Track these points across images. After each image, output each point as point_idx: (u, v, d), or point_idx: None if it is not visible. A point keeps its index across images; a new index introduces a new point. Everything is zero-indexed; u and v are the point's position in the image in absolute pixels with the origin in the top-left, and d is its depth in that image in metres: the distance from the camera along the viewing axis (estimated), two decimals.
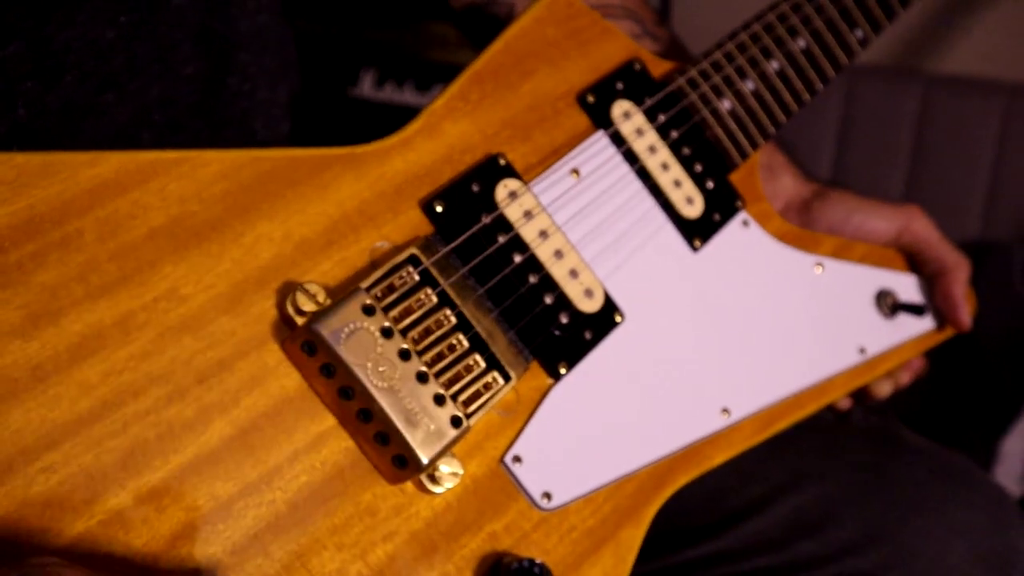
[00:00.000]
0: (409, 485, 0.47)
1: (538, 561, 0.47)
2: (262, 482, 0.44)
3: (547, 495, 0.50)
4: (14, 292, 0.41)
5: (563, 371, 0.52)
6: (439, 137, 0.53)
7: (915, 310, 0.65)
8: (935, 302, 0.66)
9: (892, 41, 1.36)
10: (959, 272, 0.65)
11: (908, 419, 1.34)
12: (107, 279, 0.43)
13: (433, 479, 0.47)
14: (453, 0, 0.69)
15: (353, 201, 0.50)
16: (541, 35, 0.58)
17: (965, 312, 0.65)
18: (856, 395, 0.67)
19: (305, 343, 0.45)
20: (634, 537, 0.53)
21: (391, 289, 0.47)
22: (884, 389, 0.64)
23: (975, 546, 0.65)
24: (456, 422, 0.46)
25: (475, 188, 0.52)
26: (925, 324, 0.67)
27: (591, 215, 0.55)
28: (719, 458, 0.57)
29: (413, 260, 0.48)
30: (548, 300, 0.52)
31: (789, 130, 1.24)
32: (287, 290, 0.46)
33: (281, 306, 0.46)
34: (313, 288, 0.46)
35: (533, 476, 0.50)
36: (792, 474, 0.66)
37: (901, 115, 1.27)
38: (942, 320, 0.67)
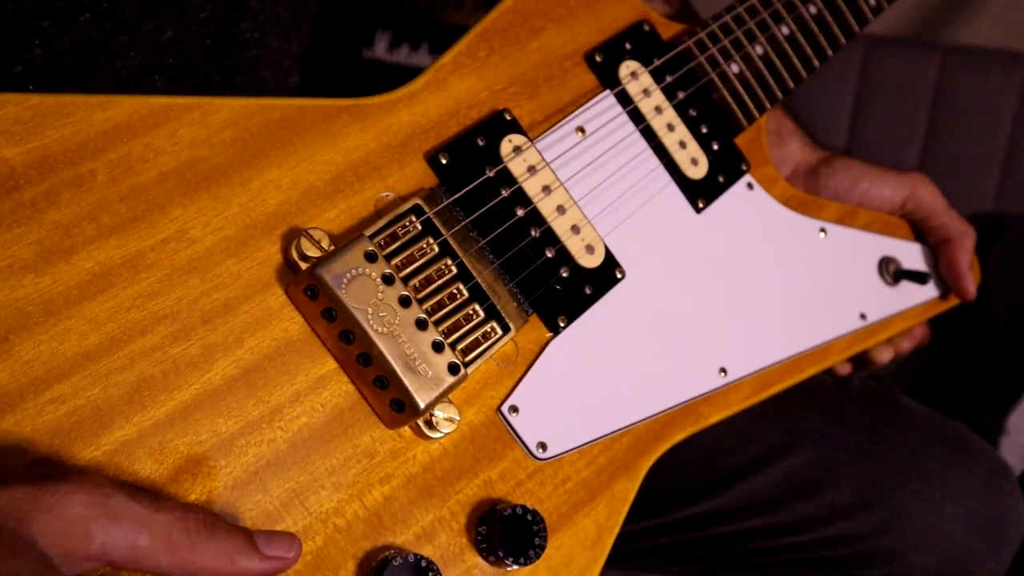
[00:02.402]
0: (406, 430, 0.48)
1: (530, 508, 0.48)
2: (263, 421, 0.45)
3: (542, 445, 0.51)
4: (27, 229, 0.42)
5: (562, 324, 0.53)
6: (446, 91, 0.54)
7: (918, 278, 0.65)
8: (940, 271, 0.67)
9: (909, 11, 1.35)
10: (965, 240, 0.65)
11: (917, 392, 1.34)
12: (118, 219, 0.44)
13: (430, 424, 0.48)
14: None
15: (359, 151, 0.51)
16: None
17: (970, 281, 0.65)
18: (856, 361, 0.68)
19: (308, 287, 0.46)
20: (628, 489, 0.54)
21: (394, 238, 0.48)
22: (884, 355, 0.65)
23: (969, 511, 0.65)
24: (454, 369, 0.47)
25: (480, 142, 0.53)
26: (928, 292, 0.67)
27: (595, 172, 0.56)
28: (715, 416, 0.57)
29: (416, 210, 0.49)
30: (549, 254, 0.53)
31: (805, 100, 1.24)
32: (292, 236, 0.47)
33: (286, 251, 0.47)
34: (317, 234, 0.47)
35: (529, 426, 0.51)
36: (789, 436, 0.67)
37: (918, 86, 1.26)
38: (946, 289, 0.67)
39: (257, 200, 0.48)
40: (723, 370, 0.58)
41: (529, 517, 0.48)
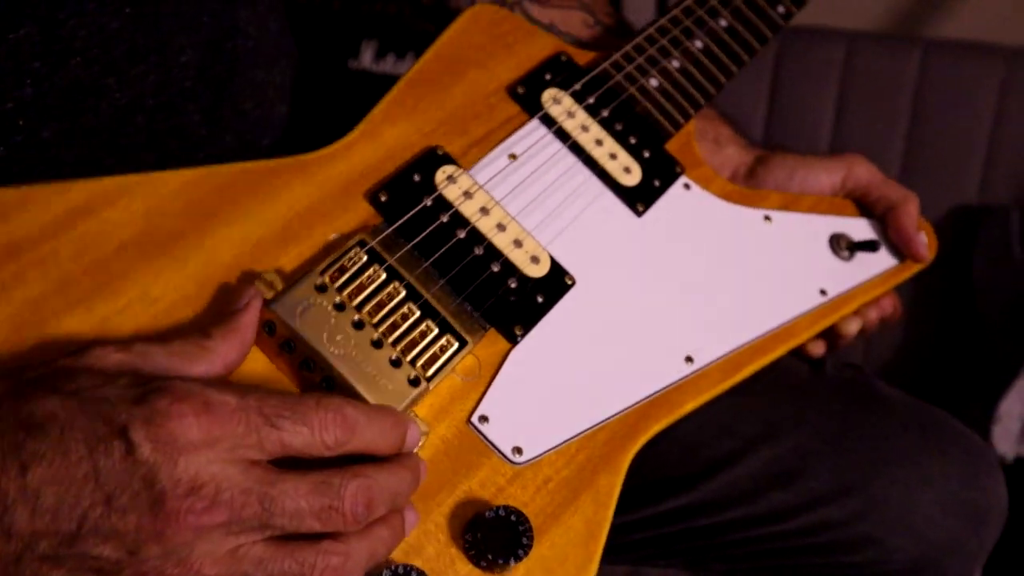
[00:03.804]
0: None
1: (511, 507, 0.50)
2: None
3: (518, 450, 0.53)
4: None
5: (519, 333, 0.55)
6: (379, 140, 0.58)
7: (869, 246, 0.67)
8: (891, 240, 0.68)
9: (891, 6, 1.38)
10: (907, 205, 0.67)
11: (908, 382, 1.34)
12: (83, 290, 0.48)
13: None
14: None
15: (304, 201, 0.55)
16: (468, 42, 0.63)
17: (919, 243, 0.67)
18: (827, 338, 0.69)
19: (265, 323, 0.49)
20: (612, 484, 0.55)
21: (342, 270, 0.51)
22: (851, 327, 0.66)
23: (947, 496, 0.66)
24: (414, 382, 0.50)
25: (416, 177, 0.57)
26: (886, 261, 0.69)
27: (529, 190, 0.59)
28: (690, 404, 0.59)
29: (361, 243, 0.53)
30: (495, 268, 0.56)
31: (788, 96, 1.27)
32: (247, 282, 0.51)
33: None
34: (269, 277, 0.50)
35: (501, 433, 0.53)
36: (766, 427, 0.68)
37: (900, 80, 1.27)
38: (903, 256, 0.69)
39: (212, 257, 0.51)
40: (689, 358, 0.59)
41: (512, 517, 0.49)
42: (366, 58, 0.89)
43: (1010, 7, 1.33)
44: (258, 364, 0.50)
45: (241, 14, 0.62)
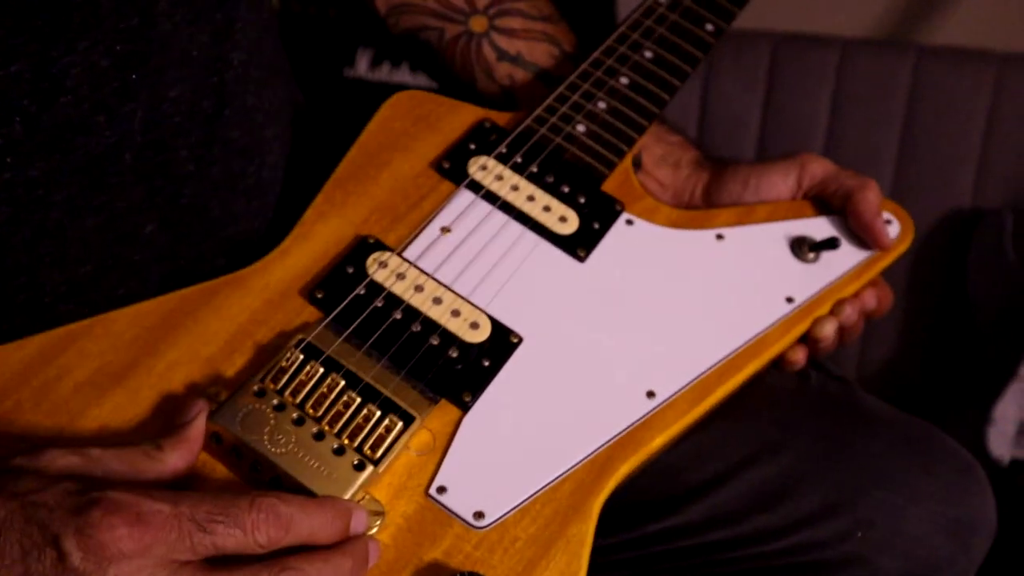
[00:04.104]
0: None
1: (472, 571, 0.50)
2: None
3: (479, 514, 0.54)
4: None
5: (468, 399, 0.56)
6: (313, 240, 0.61)
7: (829, 244, 0.65)
8: (855, 231, 0.66)
9: (883, 14, 1.39)
10: (863, 192, 0.66)
11: (900, 385, 1.30)
12: (44, 433, 0.52)
13: None
14: (392, 28, 0.77)
15: (245, 313, 0.58)
16: (390, 130, 0.66)
17: (879, 229, 0.65)
18: (806, 344, 0.67)
19: (212, 435, 0.52)
20: (583, 532, 0.54)
21: (282, 371, 0.54)
22: (826, 329, 0.64)
23: (935, 514, 0.64)
24: (359, 466, 0.51)
25: (349, 269, 0.59)
26: (855, 256, 0.67)
27: (464, 257, 0.61)
28: (657, 439, 0.58)
29: (298, 343, 0.55)
30: (434, 341, 0.57)
31: (782, 103, 1.27)
32: (195, 398, 0.54)
33: None
34: (213, 390, 0.53)
35: (460, 500, 0.54)
36: (751, 449, 0.67)
37: (893, 86, 1.28)
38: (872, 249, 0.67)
39: (163, 381, 0.55)
40: (651, 393, 0.59)
41: None
42: (362, 66, 0.90)
43: (1002, 14, 1.34)
44: (216, 471, 0.52)
45: (231, 46, 0.63)
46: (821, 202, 0.69)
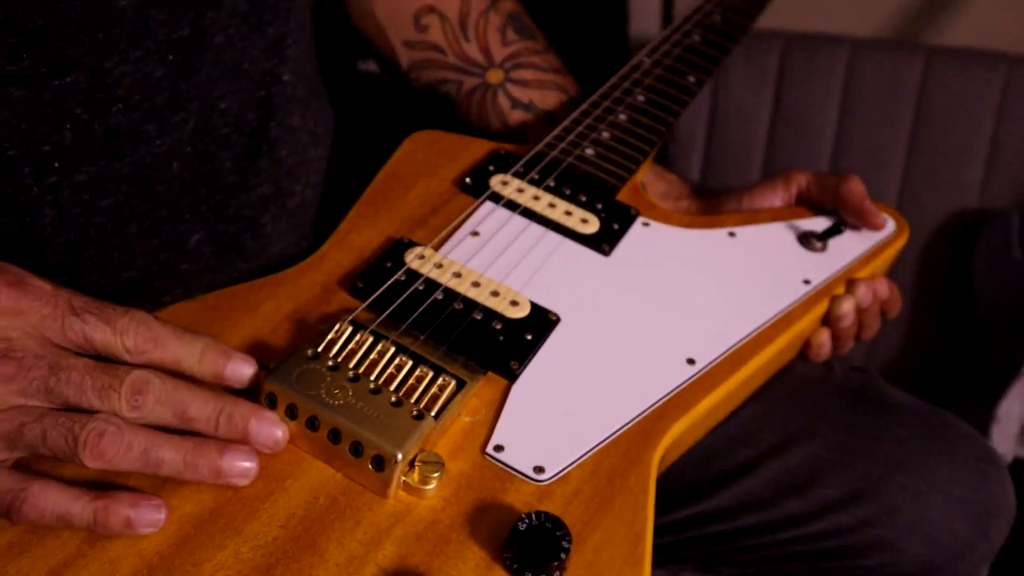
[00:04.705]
0: (401, 493, 0.50)
1: (538, 512, 0.49)
2: (262, 526, 0.48)
3: (539, 468, 0.53)
4: None
5: (515, 367, 0.57)
6: (348, 247, 0.63)
7: (834, 230, 0.69)
8: (849, 221, 0.71)
9: (894, 14, 1.42)
10: (848, 183, 0.71)
11: (910, 383, 1.28)
12: None
13: (419, 479, 0.50)
14: (414, 82, 0.82)
15: (289, 305, 0.59)
16: (412, 160, 0.70)
17: (870, 212, 0.70)
18: (829, 327, 0.69)
19: (267, 396, 0.51)
20: (644, 483, 0.53)
21: (332, 343, 0.54)
22: (844, 307, 0.66)
23: (955, 500, 0.66)
24: (418, 416, 0.51)
25: (388, 264, 0.61)
26: (862, 244, 0.70)
27: (497, 254, 0.63)
28: (704, 400, 0.58)
29: (344, 320, 0.56)
30: (476, 316, 0.58)
31: (792, 101, 1.30)
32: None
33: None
34: (263, 362, 0.53)
35: (520, 457, 0.53)
36: (780, 437, 0.68)
37: (903, 86, 1.30)
38: (877, 232, 0.71)
39: None
40: (691, 360, 0.60)
41: (548, 524, 0.48)
42: (374, 62, 0.91)
43: (1011, 16, 1.37)
44: None
45: (279, 61, 0.65)
46: (814, 206, 0.73)
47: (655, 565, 0.71)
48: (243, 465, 0.48)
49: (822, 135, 1.33)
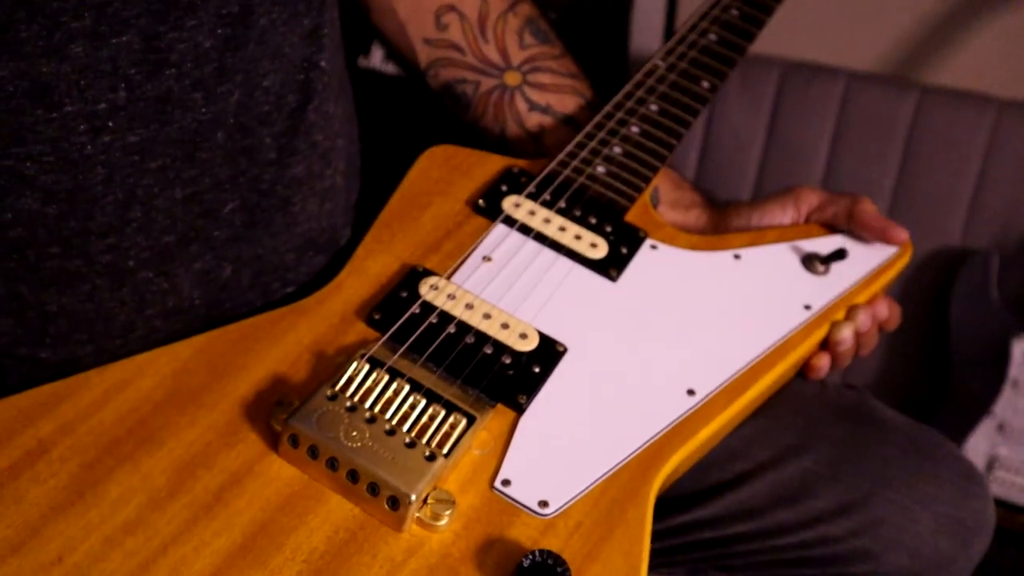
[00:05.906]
0: (415, 528, 0.54)
1: (543, 550, 0.52)
2: (286, 560, 0.52)
3: (544, 503, 0.56)
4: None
5: (522, 401, 0.60)
6: (364, 275, 0.66)
7: (838, 255, 0.71)
8: (868, 240, 0.73)
9: (890, 51, 1.44)
10: (861, 204, 0.73)
11: (899, 395, 1.28)
12: (131, 449, 0.55)
13: (431, 515, 0.54)
14: (431, 80, 0.84)
15: (309, 336, 0.62)
16: (427, 178, 0.72)
17: (892, 227, 0.72)
18: (827, 348, 0.71)
19: (289, 438, 0.55)
20: (641, 516, 0.57)
21: (350, 380, 0.57)
22: (844, 333, 0.69)
23: (939, 516, 0.69)
24: (431, 457, 0.54)
25: (404, 294, 0.64)
26: (864, 267, 0.72)
27: (507, 282, 0.66)
28: (703, 430, 0.61)
29: (362, 355, 0.59)
30: (487, 350, 0.61)
31: (785, 128, 1.32)
32: (270, 412, 0.57)
33: (268, 425, 0.56)
34: (286, 400, 0.57)
35: (525, 491, 0.56)
36: (774, 452, 0.72)
37: (894, 121, 1.32)
38: (882, 253, 0.73)
39: (235, 398, 0.58)
40: (691, 391, 0.63)
41: (550, 560, 0.52)
42: (376, 57, 0.91)
43: (1003, 60, 1.39)
44: (292, 475, 0.55)
45: (317, 49, 0.68)
46: (822, 224, 0.75)
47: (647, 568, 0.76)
48: None
49: (812, 163, 1.35)
